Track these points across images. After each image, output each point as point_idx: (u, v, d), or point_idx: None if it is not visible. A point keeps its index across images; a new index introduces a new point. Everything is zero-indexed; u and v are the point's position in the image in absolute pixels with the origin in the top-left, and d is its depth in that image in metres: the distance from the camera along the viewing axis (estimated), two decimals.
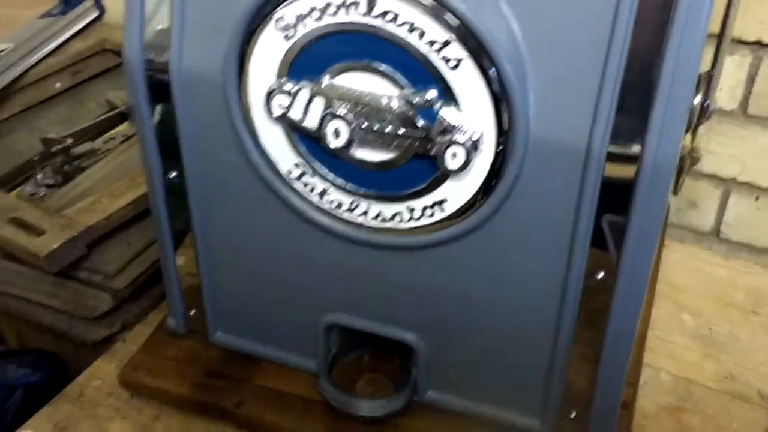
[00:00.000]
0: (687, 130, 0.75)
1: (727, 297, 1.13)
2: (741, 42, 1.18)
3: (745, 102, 1.22)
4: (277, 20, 0.73)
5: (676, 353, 1.05)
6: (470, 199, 0.75)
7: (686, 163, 0.87)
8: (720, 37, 0.87)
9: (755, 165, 1.25)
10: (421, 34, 0.69)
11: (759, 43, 1.16)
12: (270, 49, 0.75)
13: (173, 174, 0.87)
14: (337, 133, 0.75)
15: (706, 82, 0.80)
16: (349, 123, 0.74)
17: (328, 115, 0.75)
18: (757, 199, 1.29)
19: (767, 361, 1.04)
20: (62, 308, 1.05)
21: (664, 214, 0.71)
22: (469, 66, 0.69)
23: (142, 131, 0.85)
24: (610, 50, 0.66)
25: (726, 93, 1.22)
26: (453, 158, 0.72)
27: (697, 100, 0.78)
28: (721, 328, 1.09)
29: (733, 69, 1.20)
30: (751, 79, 1.20)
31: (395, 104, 0.72)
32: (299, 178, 0.80)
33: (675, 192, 0.88)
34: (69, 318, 1.06)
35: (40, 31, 1.54)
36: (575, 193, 0.72)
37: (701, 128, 0.89)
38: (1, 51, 1.52)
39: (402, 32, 0.69)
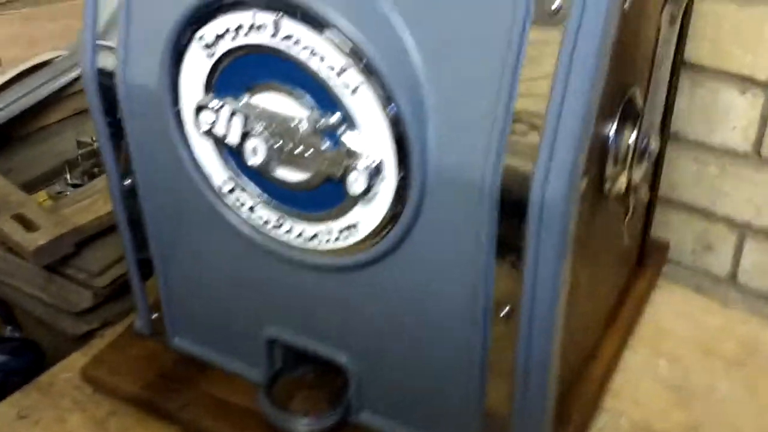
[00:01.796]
0: (624, 168, 0.74)
1: (713, 346, 1.08)
2: (753, 81, 1.13)
3: (758, 143, 1.16)
4: (200, 38, 0.76)
5: (643, 399, 1.01)
6: (379, 225, 0.76)
7: (630, 202, 0.84)
8: (675, 67, 0.84)
9: None
10: (322, 59, 0.70)
11: None
12: (196, 66, 0.77)
13: (128, 181, 0.91)
14: (255, 151, 0.77)
15: (640, 119, 0.78)
16: (265, 141, 0.76)
17: (246, 133, 0.76)
18: None
19: (739, 416, 0.98)
20: (49, 301, 1.11)
21: (563, 252, 0.70)
22: (366, 93, 0.69)
23: (99, 140, 0.90)
24: (502, 86, 0.65)
25: (738, 133, 1.17)
26: (355, 183, 0.73)
27: (632, 138, 0.76)
28: (699, 378, 1.04)
29: (746, 108, 1.15)
30: (764, 120, 1.14)
31: (303, 126, 0.73)
32: (230, 192, 0.83)
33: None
34: (55, 311, 1.12)
35: None
36: (476, 225, 0.71)
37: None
38: (57, 57, 1.62)
39: (305, 56, 0.71)
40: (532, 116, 0.65)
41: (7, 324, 1.27)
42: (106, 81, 0.85)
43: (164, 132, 0.83)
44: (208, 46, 0.75)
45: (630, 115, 0.78)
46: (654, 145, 0.80)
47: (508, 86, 0.65)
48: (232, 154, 0.80)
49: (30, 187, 1.38)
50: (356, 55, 0.68)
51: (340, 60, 0.69)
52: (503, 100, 0.66)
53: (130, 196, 0.92)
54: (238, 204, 0.83)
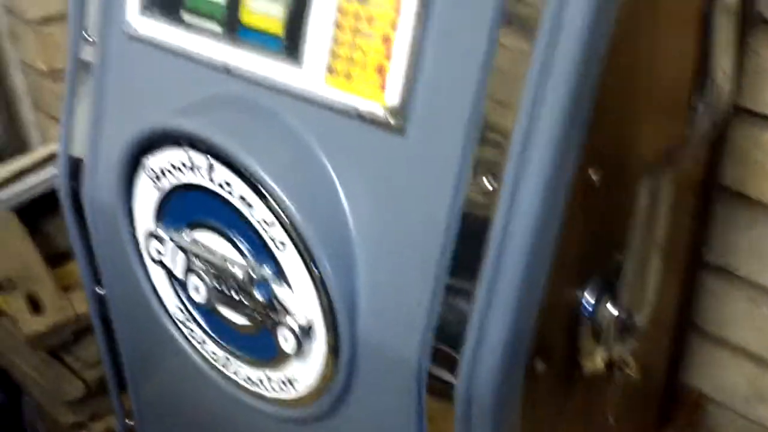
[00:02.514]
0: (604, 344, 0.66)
1: None
2: None
3: None
4: (148, 169, 0.72)
5: None
6: (315, 384, 0.69)
7: (615, 376, 0.74)
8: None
9: None
10: (251, 207, 0.65)
11: None
12: (146, 194, 0.74)
13: (102, 290, 0.88)
14: (197, 290, 0.72)
15: (619, 290, 0.68)
16: (205, 282, 0.71)
17: (189, 270, 0.72)
18: None
19: None
20: (46, 386, 1.10)
21: None
22: (292, 251, 0.63)
23: (74, 247, 0.88)
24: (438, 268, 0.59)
25: None
26: (286, 340, 0.67)
27: (615, 312, 0.68)
28: None
29: None
30: None
31: (238, 273, 0.68)
32: (183, 322, 0.78)
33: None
34: (50, 397, 1.11)
35: None
36: (406, 405, 0.64)
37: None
38: None
39: (237, 203, 0.66)
40: (464, 293, 0.58)
41: None
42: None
43: (123, 249, 0.79)
44: (154, 178, 0.71)
45: (607, 285, 0.69)
46: (640, 319, 0.70)
47: (444, 266, 0.58)
48: (182, 285, 0.76)
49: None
50: (283, 211, 0.62)
51: (267, 213, 0.63)
52: (436, 280, 0.58)
53: (103, 303, 0.89)
54: (190, 333, 0.78)
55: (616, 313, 0.69)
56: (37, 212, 1.49)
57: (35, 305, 1.13)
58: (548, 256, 0.58)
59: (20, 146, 1.95)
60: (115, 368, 0.96)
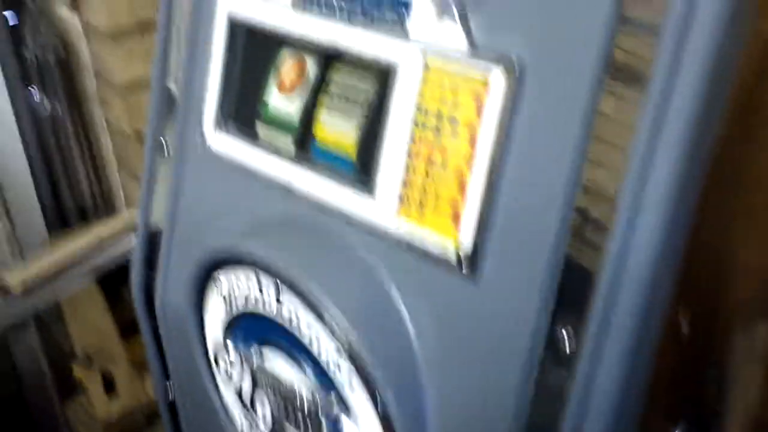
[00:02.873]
0: None
1: None
2: None
3: None
4: (218, 284, 0.71)
5: None
6: None
7: None
8: None
9: None
10: (318, 341, 0.63)
11: None
12: (216, 310, 0.73)
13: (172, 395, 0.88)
14: (264, 418, 0.71)
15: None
16: (271, 401, 0.70)
17: (256, 396, 0.71)
18: None
19: None
20: None
21: None
22: (359, 388, 0.61)
23: (147, 349, 0.88)
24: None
25: None
26: None
27: None
28: None
29: None
30: None
31: (304, 400, 0.67)
32: None
33: None
34: None
35: None
36: None
37: None
38: None
39: (305, 334, 0.64)
40: None
41: None
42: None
43: (192, 358, 0.79)
44: (224, 296, 0.71)
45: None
46: None
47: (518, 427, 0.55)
48: (249, 399, 0.74)
49: None
50: (350, 348, 0.60)
51: (334, 354, 0.61)
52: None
53: (173, 407, 0.89)
54: None
55: None
56: (118, 280, 1.51)
57: (109, 383, 1.13)
58: (632, 417, 0.54)
59: (106, 205, 2.00)
60: None
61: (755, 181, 0.58)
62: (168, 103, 0.78)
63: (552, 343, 0.53)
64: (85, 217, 1.94)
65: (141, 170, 1.81)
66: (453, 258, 0.58)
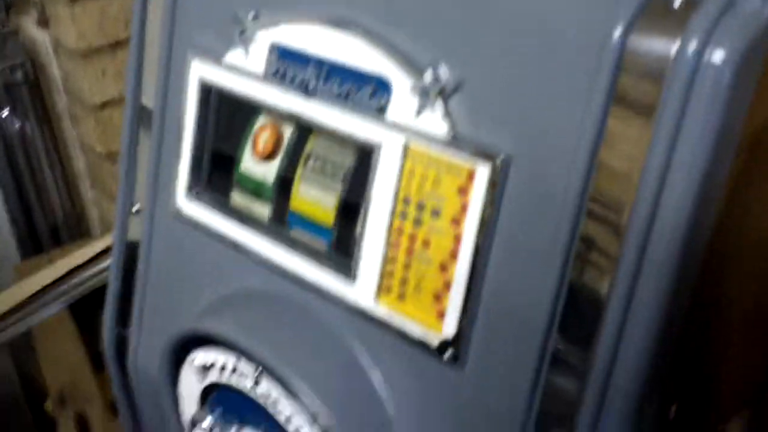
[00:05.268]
0: None
1: None
2: None
3: None
4: (192, 361, 0.69)
5: None
6: None
7: None
8: None
9: None
10: (297, 427, 0.61)
11: None
12: (191, 382, 0.71)
13: None
14: None
15: None
16: None
17: None
18: None
19: None
20: None
21: None
22: None
23: (119, 406, 0.86)
24: None
25: None
26: None
27: None
28: None
29: None
30: None
31: None
32: None
33: None
34: None
35: None
36: None
37: None
38: None
39: (282, 419, 0.62)
40: None
41: None
42: None
43: (167, 425, 0.77)
44: (199, 371, 0.68)
45: None
46: None
47: None
48: None
49: None
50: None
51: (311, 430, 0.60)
52: None
53: None
54: None
55: None
56: (89, 305, 1.49)
57: (83, 426, 1.11)
58: None
59: (79, 223, 1.97)
60: None
61: None
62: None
63: None
64: (57, 236, 1.91)
65: (113, 188, 1.78)
66: (435, 345, 0.57)
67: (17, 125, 1.78)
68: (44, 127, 1.80)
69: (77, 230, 1.93)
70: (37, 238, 1.89)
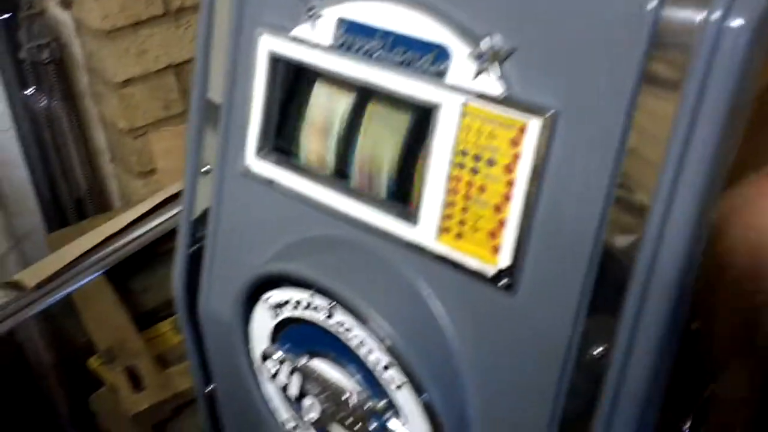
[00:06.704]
0: None
1: None
2: None
3: None
4: (266, 300, 0.78)
5: None
6: None
7: None
8: None
9: None
10: (369, 351, 0.71)
11: None
12: (263, 320, 0.80)
13: (210, 387, 0.95)
14: (310, 408, 0.78)
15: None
16: (320, 404, 0.77)
17: (303, 391, 0.78)
18: None
19: None
20: None
21: None
22: (409, 391, 0.69)
23: (187, 345, 0.95)
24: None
25: None
26: None
27: None
28: None
29: None
30: None
31: (352, 401, 0.74)
32: (294, 429, 0.84)
33: None
34: None
35: None
36: None
37: None
38: None
39: (354, 344, 0.72)
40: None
41: None
42: None
43: (236, 361, 0.86)
44: (272, 308, 0.78)
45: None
46: None
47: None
48: (296, 402, 0.82)
49: (163, 307, 1.47)
50: (398, 356, 0.68)
51: (384, 357, 0.69)
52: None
53: (212, 402, 0.96)
54: None
55: None
56: (124, 271, 1.57)
57: (134, 379, 1.20)
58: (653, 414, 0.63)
59: (101, 197, 2.05)
60: None
61: None
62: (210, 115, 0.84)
63: (585, 351, 0.61)
64: (81, 208, 2.00)
65: (134, 164, 1.86)
66: (490, 275, 0.66)
67: (43, 103, 1.85)
68: (68, 105, 1.88)
69: (99, 203, 2.01)
70: (62, 211, 1.97)
